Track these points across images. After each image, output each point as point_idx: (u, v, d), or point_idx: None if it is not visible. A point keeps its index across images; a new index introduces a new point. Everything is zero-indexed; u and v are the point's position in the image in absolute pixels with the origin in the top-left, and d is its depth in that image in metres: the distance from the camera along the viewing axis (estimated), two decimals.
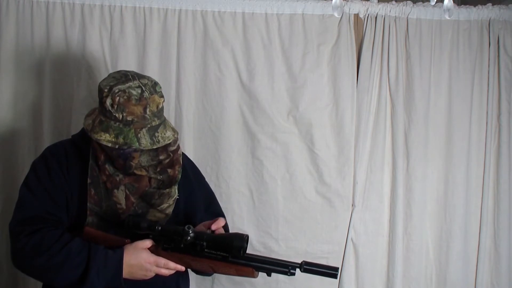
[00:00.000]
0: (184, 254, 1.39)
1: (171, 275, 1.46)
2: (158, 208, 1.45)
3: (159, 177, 1.42)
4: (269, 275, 1.39)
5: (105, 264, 1.33)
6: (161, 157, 1.42)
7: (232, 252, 1.36)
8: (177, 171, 1.46)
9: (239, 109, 2.03)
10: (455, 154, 2.08)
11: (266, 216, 2.05)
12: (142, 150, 1.36)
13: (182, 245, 1.38)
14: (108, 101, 1.35)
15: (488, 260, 2.12)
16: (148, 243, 1.38)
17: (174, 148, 1.45)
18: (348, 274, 2.08)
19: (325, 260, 2.07)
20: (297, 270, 1.38)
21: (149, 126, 1.36)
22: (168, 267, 1.38)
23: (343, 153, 2.04)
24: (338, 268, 1.37)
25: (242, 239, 1.35)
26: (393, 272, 2.08)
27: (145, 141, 1.35)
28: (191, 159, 1.77)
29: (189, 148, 2.00)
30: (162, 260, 1.37)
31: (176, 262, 1.39)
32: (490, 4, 2.08)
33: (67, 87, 1.94)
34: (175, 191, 1.47)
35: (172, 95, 2.01)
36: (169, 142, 1.40)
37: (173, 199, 1.47)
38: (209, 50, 2.01)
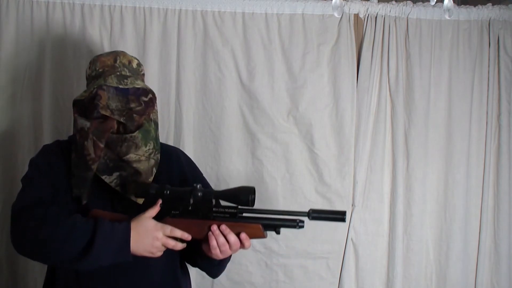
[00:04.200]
0: (192, 219, 1.35)
1: (170, 276, 1.46)
2: (125, 158, 1.40)
3: (122, 120, 1.40)
4: (278, 232, 1.35)
5: (112, 230, 1.29)
6: (132, 105, 1.41)
7: (241, 202, 1.33)
8: (144, 120, 1.43)
9: (239, 109, 2.03)
10: (455, 154, 2.08)
11: None
12: (108, 87, 1.38)
13: (190, 208, 1.36)
14: (87, 67, 1.48)
15: (488, 260, 2.12)
16: (153, 212, 1.35)
17: (147, 99, 1.43)
18: (348, 274, 2.08)
19: (325, 260, 2.07)
20: (306, 219, 1.35)
21: (118, 73, 1.40)
22: (174, 234, 1.34)
23: (343, 153, 2.05)
24: (345, 211, 1.34)
25: (249, 190, 1.33)
26: (393, 272, 2.08)
27: (111, 80, 1.38)
28: (191, 158, 1.77)
29: (189, 148, 2.00)
30: (168, 227, 1.33)
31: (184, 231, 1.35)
32: (490, 4, 2.08)
33: (67, 87, 1.94)
34: (142, 142, 1.42)
35: (172, 95, 2.01)
36: (138, 86, 1.41)
37: (142, 151, 1.42)
38: (209, 50, 2.01)
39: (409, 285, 2.09)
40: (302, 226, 1.34)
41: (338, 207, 2.05)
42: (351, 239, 2.08)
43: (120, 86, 1.39)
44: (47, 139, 1.91)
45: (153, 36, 1.98)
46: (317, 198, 2.05)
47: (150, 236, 1.31)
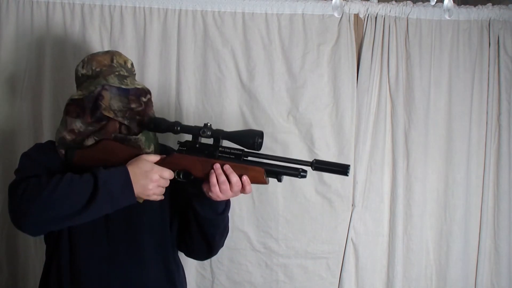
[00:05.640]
0: (197, 156, 1.36)
1: (164, 270, 1.46)
2: None
3: (125, 122, 1.41)
4: (279, 180, 1.35)
5: (111, 175, 1.28)
6: (133, 105, 1.42)
7: (247, 145, 1.34)
8: (146, 121, 1.45)
9: (239, 109, 2.03)
10: (455, 154, 2.08)
11: (266, 216, 2.05)
12: (111, 87, 1.38)
13: (197, 146, 1.37)
14: (80, 66, 1.46)
15: (488, 260, 2.12)
16: (153, 158, 1.35)
17: (146, 100, 1.45)
18: (348, 274, 2.08)
19: (325, 260, 2.07)
20: (309, 168, 1.33)
21: (117, 73, 1.41)
22: (164, 176, 1.33)
23: (343, 153, 2.04)
24: (349, 165, 1.31)
25: (256, 133, 1.34)
26: (393, 272, 2.08)
27: (112, 80, 1.39)
28: None
29: None
30: (164, 170, 1.33)
31: (188, 167, 1.35)
32: (490, 4, 2.08)
33: (67, 87, 1.94)
34: (146, 144, 1.42)
35: (172, 95, 2.01)
36: (138, 86, 1.42)
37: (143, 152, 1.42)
38: (209, 50, 2.01)
39: (409, 285, 2.09)
40: (305, 176, 1.33)
41: (338, 207, 2.06)
42: (351, 239, 2.08)
43: (123, 86, 1.39)
44: (47, 139, 1.90)
45: (153, 36, 1.99)
46: (317, 198, 2.05)
47: (146, 177, 1.31)
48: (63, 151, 1.40)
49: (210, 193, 1.35)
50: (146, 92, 1.45)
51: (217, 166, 1.34)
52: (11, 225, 1.93)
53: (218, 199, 1.37)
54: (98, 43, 1.96)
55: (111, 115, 1.39)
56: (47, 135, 1.93)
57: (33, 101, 1.96)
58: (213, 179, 1.33)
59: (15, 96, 1.96)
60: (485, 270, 2.11)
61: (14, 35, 1.94)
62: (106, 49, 1.96)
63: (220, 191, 1.34)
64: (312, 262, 2.07)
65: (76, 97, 1.40)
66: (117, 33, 1.97)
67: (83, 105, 1.39)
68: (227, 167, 1.34)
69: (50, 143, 1.50)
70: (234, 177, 1.33)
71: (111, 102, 1.39)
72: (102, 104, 1.38)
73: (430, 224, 2.10)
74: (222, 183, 1.33)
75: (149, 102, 1.46)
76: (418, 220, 2.07)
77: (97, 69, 1.42)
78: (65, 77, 1.94)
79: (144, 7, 1.98)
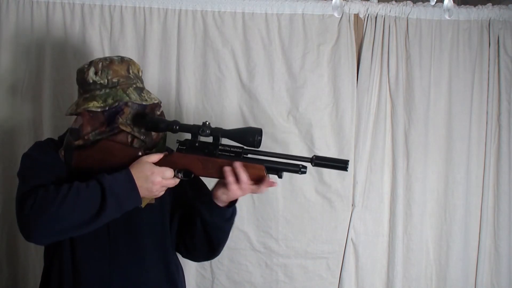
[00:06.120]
0: (197, 155, 1.37)
1: (164, 269, 1.46)
2: None
3: (142, 137, 1.40)
4: (280, 176, 1.35)
5: (116, 181, 1.28)
6: (147, 119, 1.41)
7: (247, 143, 1.34)
8: (160, 137, 1.45)
9: (239, 109, 2.03)
10: (455, 154, 2.08)
11: (266, 216, 2.05)
12: (133, 104, 1.37)
13: (197, 144, 1.37)
14: (91, 71, 1.39)
15: (488, 260, 2.12)
16: (154, 157, 1.35)
17: (159, 113, 1.46)
18: (348, 274, 2.08)
19: (325, 260, 2.08)
20: (309, 165, 1.35)
21: (134, 86, 1.40)
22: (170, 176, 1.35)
23: (343, 153, 2.04)
24: (348, 160, 1.32)
25: (256, 131, 1.34)
26: (393, 272, 2.08)
27: (134, 96, 1.37)
28: None
29: None
30: (166, 170, 1.34)
31: (189, 166, 1.36)
32: (490, 4, 2.08)
33: (67, 87, 1.94)
34: None
35: (172, 95, 2.01)
36: (156, 102, 1.42)
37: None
38: (209, 50, 2.01)
39: (409, 285, 2.10)
40: (305, 172, 1.34)
41: (338, 207, 2.06)
42: (351, 239, 2.08)
43: (143, 103, 1.39)
44: None
45: (153, 36, 1.99)
46: (317, 198, 2.06)
47: (148, 180, 1.31)
48: (63, 152, 1.40)
49: (228, 193, 1.36)
50: (159, 105, 1.46)
51: (228, 168, 1.34)
52: (11, 225, 1.95)
53: (235, 197, 1.38)
54: (98, 43, 1.96)
55: (128, 129, 1.38)
56: (47, 135, 1.93)
57: (33, 101, 1.96)
58: (230, 178, 1.34)
59: (15, 96, 1.96)
60: (485, 270, 2.11)
61: (14, 35, 1.94)
62: (106, 49, 1.96)
63: (240, 189, 1.35)
64: (312, 262, 2.07)
65: (93, 109, 1.37)
66: (117, 33, 1.97)
67: (101, 118, 1.38)
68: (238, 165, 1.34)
69: (50, 140, 1.49)
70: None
71: (129, 116, 1.39)
72: (120, 118, 1.37)
73: (430, 224, 2.10)
74: (244, 182, 1.34)
75: (162, 115, 1.46)
76: (418, 220, 2.08)
77: (114, 80, 1.38)
78: (65, 77, 1.94)
79: (144, 7, 1.98)
